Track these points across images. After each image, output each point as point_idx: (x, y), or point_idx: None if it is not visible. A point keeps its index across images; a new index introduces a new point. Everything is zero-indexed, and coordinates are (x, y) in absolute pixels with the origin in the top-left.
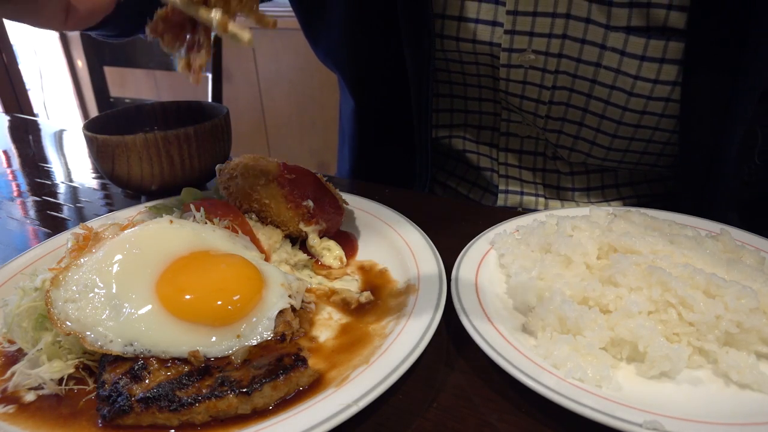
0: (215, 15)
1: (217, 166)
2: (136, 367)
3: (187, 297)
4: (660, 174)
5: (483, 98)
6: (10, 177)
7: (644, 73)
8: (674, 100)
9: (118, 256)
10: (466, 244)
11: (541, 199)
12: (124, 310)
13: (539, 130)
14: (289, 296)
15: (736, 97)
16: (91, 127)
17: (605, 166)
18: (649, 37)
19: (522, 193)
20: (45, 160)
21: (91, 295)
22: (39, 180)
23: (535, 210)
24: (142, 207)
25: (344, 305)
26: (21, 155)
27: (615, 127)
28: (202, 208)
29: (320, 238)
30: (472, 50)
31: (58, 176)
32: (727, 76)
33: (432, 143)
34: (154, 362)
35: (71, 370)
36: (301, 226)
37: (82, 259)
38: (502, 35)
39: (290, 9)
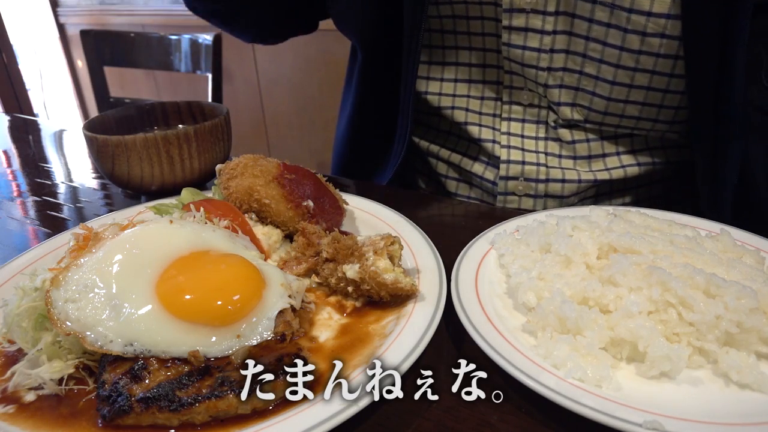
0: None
1: (217, 166)
2: (136, 367)
3: (187, 297)
4: (661, 140)
5: (487, 64)
6: (10, 177)
7: (637, 5)
8: (669, 36)
9: (118, 256)
10: (466, 244)
11: (543, 168)
12: (124, 310)
13: (542, 88)
14: (289, 296)
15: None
16: (91, 127)
17: (606, 124)
18: None
19: (524, 163)
20: (45, 160)
21: (91, 295)
22: (39, 180)
23: (536, 180)
24: (142, 207)
25: (343, 306)
26: (21, 155)
27: (613, 71)
28: (202, 208)
29: None
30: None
31: (58, 176)
32: None
33: (435, 114)
34: (154, 362)
35: (71, 370)
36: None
37: (82, 259)
38: None
39: None
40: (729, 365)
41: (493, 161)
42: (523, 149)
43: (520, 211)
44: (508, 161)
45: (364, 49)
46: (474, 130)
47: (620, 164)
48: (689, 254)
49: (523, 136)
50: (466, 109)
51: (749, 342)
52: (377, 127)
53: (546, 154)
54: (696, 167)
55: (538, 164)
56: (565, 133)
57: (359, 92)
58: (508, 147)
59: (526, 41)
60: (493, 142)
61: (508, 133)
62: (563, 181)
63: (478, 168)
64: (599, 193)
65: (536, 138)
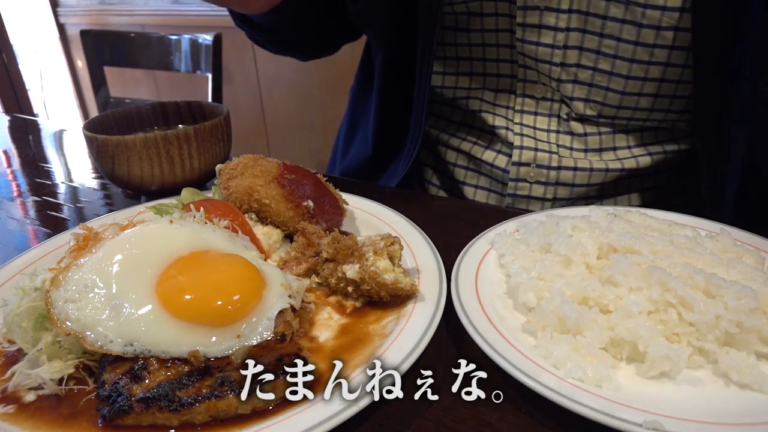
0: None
1: (217, 166)
2: (136, 367)
3: (187, 297)
4: (671, 131)
5: (501, 59)
6: (10, 177)
7: (652, 0)
8: (683, 28)
9: (118, 256)
10: (466, 244)
11: (555, 156)
12: (124, 310)
13: (555, 83)
14: (289, 296)
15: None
16: (91, 127)
17: (619, 117)
18: None
19: (536, 150)
20: (45, 160)
21: (91, 295)
22: (39, 180)
23: (548, 167)
24: (142, 207)
25: (343, 306)
26: (21, 155)
27: (628, 66)
28: (202, 208)
29: None
30: None
31: (58, 176)
32: None
33: (449, 105)
34: (154, 362)
35: (71, 370)
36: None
37: (82, 259)
38: None
39: None
40: (729, 365)
41: (506, 147)
42: (535, 139)
43: (522, 210)
44: (521, 147)
45: (384, 47)
46: (488, 117)
47: (631, 155)
48: (689, 254)
49: (535, 128)
50: (481, 99)
51: (749, 342)
52: (397, 123)
53: (558, 145)
54: (699, 160)
55: (550, 152)
56: (577, 126)
57: (383, 90)
58: (522, 135)
59: (539, 38)
60: (507, 129)
61: (521, 124)
62: (575, 169)
63: (489, 155)
64: (606, 180)
65: (548, 130)
